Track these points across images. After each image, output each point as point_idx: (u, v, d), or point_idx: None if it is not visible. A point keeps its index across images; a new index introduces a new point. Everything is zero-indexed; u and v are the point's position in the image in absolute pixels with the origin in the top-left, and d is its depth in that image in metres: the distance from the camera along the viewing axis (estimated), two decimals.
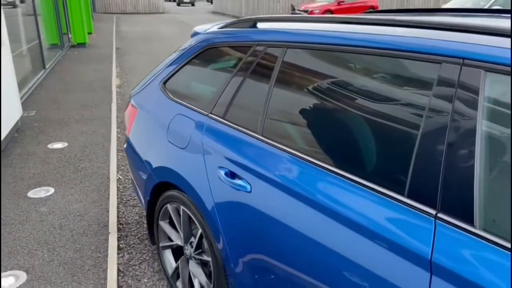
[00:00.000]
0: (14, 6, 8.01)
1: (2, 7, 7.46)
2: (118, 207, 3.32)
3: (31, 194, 3.39)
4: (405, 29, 1.46)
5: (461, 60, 1.24)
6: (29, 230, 2.90)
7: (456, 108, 1.22)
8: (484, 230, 1.13)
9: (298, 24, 1.84)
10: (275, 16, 1.99)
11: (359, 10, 18.56)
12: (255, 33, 1.98)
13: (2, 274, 2.44)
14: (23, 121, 5.14)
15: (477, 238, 1.13)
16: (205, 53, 2.24)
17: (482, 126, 1.17)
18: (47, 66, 8.31)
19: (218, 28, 2.27)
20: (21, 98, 5.98)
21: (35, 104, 5.98)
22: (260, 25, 2.03)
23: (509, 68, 1.15)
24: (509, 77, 1.15)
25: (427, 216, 1.22)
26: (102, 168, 3.91)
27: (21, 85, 6.41)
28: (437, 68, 1.29)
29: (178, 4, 38.82)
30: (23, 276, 2.43)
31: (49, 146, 4.41)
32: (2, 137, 4.13)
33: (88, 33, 13.90)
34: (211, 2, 37.27)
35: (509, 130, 1.14)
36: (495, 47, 1.20)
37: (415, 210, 1.25)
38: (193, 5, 38.76)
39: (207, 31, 2.33)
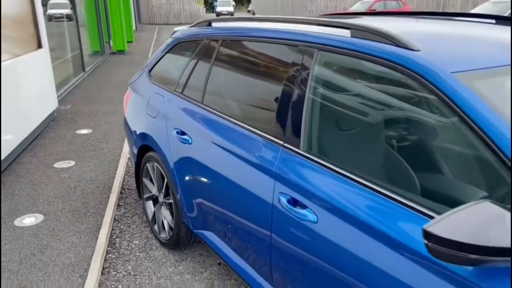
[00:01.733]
0: (71, 19, 9.13)
1: (58, 20, 8.57)
2: (124, 178, 4.05)
3: (56, 165, 4.19)
4: (288, 24, 2.07)
5: (307, 43, 1.85)
6: (50, 188, 3.68)
7: (301, 74, 1.82)
8: (306, 151, 1.72)
9: (233, 23, 2.49)
10: (221, 17, 2.64)
11: None
12: (206, 30, 2.64)
13: (27, 214, 3.21)
14: (59, 113, 6.04)
15: (301, 157, 1.73)
16: (176, 47, 2.92)
17: (311, 84, 1.77)
18: (86, 70, 9.33)
19: (188, 28, 2.95)
20: (61, 94, 6.94)
21: (71, 99, 6.91)
22: (213, 24, 2.68)
23: (331, 47, 1.74)
24: (330, 53, 1.75)
25: (278, 145, 1.83)
26: (116, 148, 4.68)
27: (62, 84, 7.42)
28: (295, 49, 1.90)
29: (217, 15, 40.20)
30: (41, 217, 3.19)
31: (77, 131, 5.25)
32: (37, 125, 5.00)
33: (129, 42, 15.09)
34: (253, 13, 38.30)
35: (325, 87, 1.73)
36: (322, 34, 1.80)
37: (273, 143, 1.86)
38: (232, 15, 40.06)
39: (180, 30, 3.01)
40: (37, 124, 4.98)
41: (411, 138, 1.46)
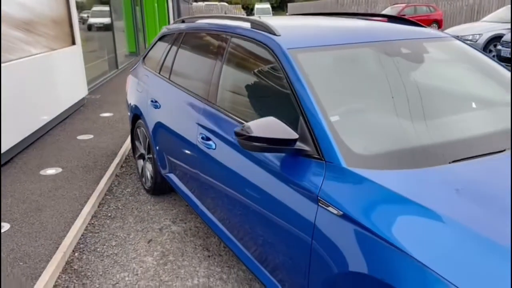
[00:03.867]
0: (108, 29, 10.29)
1: (98, 30, 9.71)
2: (130, 149, 4.99)
3: (79, 137, 5.20)
4: (220, 20, 2.91)
5: (226, 32, 2.68)
6: (71, 152, 4.67)
7: (221, 53, 2.65)
8: (218, 105, 2.55)
9: (197, 20, 3.35)
10: (192, 16, 3.51)
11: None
12: (178, 25, 3.51)
13: (49, 168, 4.20)
14: (89, 101, 7.12)
15: (216, 111, 2.54)
16: (161, 39, 3.82)
17: (225, 60, 2.59)
18: (119, 67, 10.50)
19: (171, 24, 3.83)
20: (93, 86, 8.05)
21: (101, 91, 8.00)
22: (185, 21, 3.55)
23: (238, 35, 2.56)
24: (237, 38, 2.56)
25: (203, 102, 2.67)
26: (129, 128, 5.64)
27: (96, 78, 8.55)
28: (220, 36, 2.73)
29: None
30: (60, 169, 4.17)
31: (100, 115, 6.27)
32: (68, 106, 6.05)
33: None
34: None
35: (232, 61, 2.55)
36: (235, 26, 2.62)
37: (201, 101, 2.70)
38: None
39: (166, 27, 3.90)
40: (67, 106, 6.04)
41: (269, 92, 2.26)
